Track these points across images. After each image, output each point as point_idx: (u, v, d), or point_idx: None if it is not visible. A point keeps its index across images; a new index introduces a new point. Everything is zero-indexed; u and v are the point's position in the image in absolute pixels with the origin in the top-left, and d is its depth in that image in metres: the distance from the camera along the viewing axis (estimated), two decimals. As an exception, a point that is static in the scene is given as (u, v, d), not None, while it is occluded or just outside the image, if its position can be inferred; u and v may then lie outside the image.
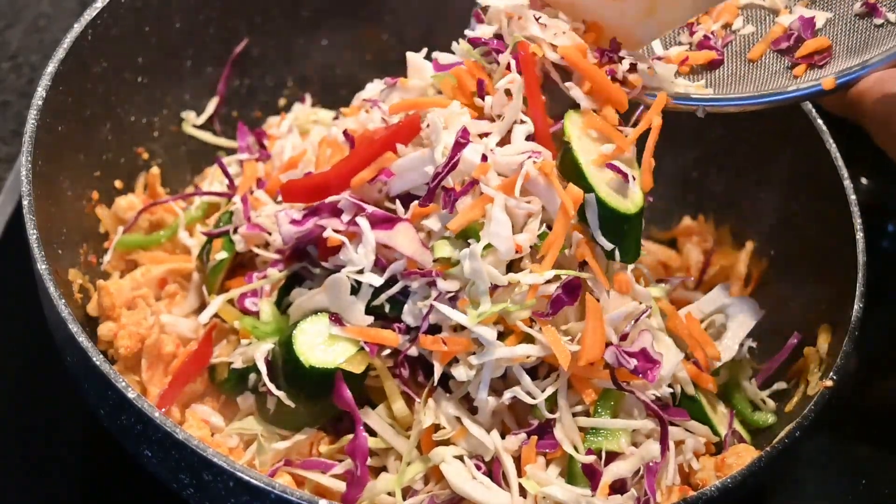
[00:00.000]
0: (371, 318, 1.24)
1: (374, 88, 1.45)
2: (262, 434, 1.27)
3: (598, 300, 1.22)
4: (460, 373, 1.19)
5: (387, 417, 1.25)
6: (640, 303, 1.27)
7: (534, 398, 1.20)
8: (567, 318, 1.24)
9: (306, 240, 1.31)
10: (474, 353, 1.19)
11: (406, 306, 1.23)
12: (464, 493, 1.17)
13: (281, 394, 1.24)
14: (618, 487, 1.21)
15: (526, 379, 1.20)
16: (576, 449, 1.20)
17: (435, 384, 1.22)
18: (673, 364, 1.27)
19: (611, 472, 1.20)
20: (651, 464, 1.22)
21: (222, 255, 1.37)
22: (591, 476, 1.19)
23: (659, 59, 1.31)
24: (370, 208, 1.26)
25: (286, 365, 1.23)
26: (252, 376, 1.28)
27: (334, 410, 1.24)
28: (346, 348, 1.23)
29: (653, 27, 1.27)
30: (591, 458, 1.19)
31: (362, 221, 1.25)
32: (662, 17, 1.26)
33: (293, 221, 1.30)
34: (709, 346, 1.34)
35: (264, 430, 1.27)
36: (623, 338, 1.24)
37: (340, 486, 1.21)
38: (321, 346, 1.23)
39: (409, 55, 1.39)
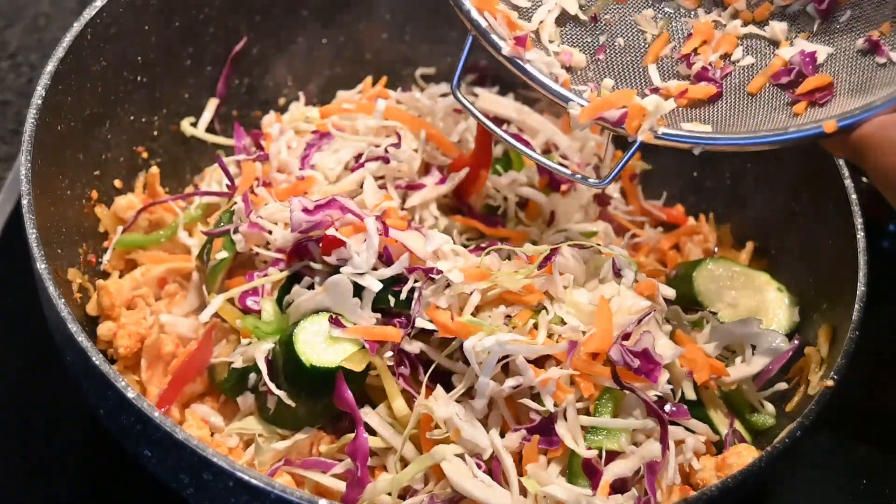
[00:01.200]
0: (375, 318, 1.25)
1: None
2: (262, 434, 1.27)
3: (621, 277, 1.27)
4: (469, 345, 1.20)
5: (387, 417, 1.25)
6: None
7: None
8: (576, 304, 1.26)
9: (310, 236, 1.31)
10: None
11: (413, 302, 1.24)
12: (464, 491, 1.17)
13: (281, 393, 1.24)
14: (618, 487, 1.21)
15: (529, 373, 1.20)
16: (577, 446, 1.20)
17: (431, 378, 1.23)
18: (670, 355, 1.28)
19: (611, 472, 1.20)
20: (651, 463, 1.22)
21: (223, 254, 1.37)
22: (591, 475, 1.19)
23: (656, 90, 1.27)
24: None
25: (287, 364, 1.23)
26: (252, 376, 1.28)
27: (334, 410, 1.24)
28: (346, 347, 1.23)
29: None
30: (593, 453, 1.19)
31: (370, 222, 1.26)
32: None
33: (305, 210, 1.30)
34: (715, 366, 1.34)
35: (264, 429, 1.27)
36: (626, 337, 1.24)
37: (340, 485, 1.21)
38: (322, 345, 1.23)
39: None
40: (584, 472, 1.20)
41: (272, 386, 1.24)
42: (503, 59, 1.26)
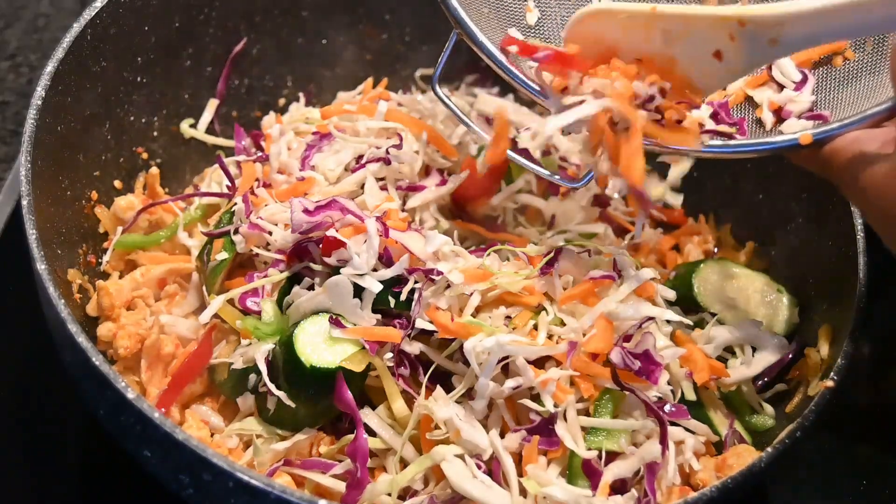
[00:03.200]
0: (375, 319, 1.25)
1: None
2: (262, 434, 1.27)
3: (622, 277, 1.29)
4: (470, 346, 1.20)
5: (387, 418, 1.25)
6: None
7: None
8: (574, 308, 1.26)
9: (310, 237, 1.31)
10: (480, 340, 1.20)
11: (413, 303, 1.24)
12: (464, 491, 1.17)
13: (281, 394, 1.24)
14: (618, 487, 1.21)
15: (529, 373, 1.20)
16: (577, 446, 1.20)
17: (431, 378, 1.24)
18: (670, 356, 1.28)
19: (611, 472, 1.20)
20: (651, 464, 1.22)
21: (223, 255, 1.37)
22: (591, 476, 1.20)
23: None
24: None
25: (286, 365, 1.23)
26: (252, 377, 1.28)
27: (334, 411, 1.24)
28: (346, 348, 1.23)
29: (720, 73, 1.15)
30: (592, 454, 1.20)
31: (371, 223, 1.26)
32: (731, 63, 1.13)
33: (306, 211, 1.30)
34: (715, 367, 1.34)
35: (264, 430, 1.27)
36: (627, 339, 1.24)
37: (340, 486, 1.21)
38: (322, 346, 1.23)
39: None
40: (584, 472, 1.20)
41: (272, 387, 1.24)
42: (486, 57, 1.26)
